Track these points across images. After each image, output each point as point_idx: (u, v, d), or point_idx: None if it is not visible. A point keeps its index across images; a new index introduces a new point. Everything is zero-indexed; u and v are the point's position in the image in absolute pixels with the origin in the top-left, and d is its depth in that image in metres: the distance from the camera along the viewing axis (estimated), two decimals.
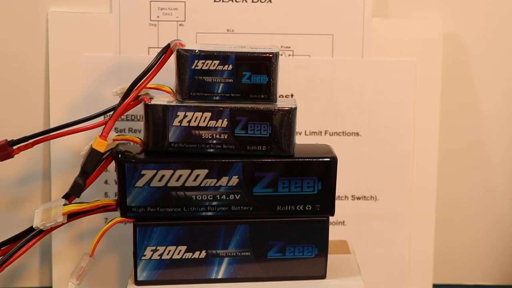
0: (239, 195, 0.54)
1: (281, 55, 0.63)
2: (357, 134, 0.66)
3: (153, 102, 0.54)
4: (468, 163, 0.69)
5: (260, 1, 0.65)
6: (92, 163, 0.54)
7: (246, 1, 0.65)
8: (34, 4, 0.64)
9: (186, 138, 0.54)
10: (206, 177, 0.54)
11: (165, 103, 0.54)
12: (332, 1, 0.65)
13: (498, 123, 0.69)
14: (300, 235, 0.55)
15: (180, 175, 0.54)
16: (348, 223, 0.67)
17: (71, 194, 0.55)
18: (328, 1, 0.65)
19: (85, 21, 0.64)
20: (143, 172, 0.53)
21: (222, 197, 0.54)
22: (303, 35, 0.65)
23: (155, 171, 0.53)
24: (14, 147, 0.56)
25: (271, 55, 0.53)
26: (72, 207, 0.54)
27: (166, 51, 0.54)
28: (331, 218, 0.56)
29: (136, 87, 0.54)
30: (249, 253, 0.55)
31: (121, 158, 0.53)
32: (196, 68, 0.53)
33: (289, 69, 0.65)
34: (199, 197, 0.54)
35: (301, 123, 0.62)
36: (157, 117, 0.54)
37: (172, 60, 0.54)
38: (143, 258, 0.55)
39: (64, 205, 0.55)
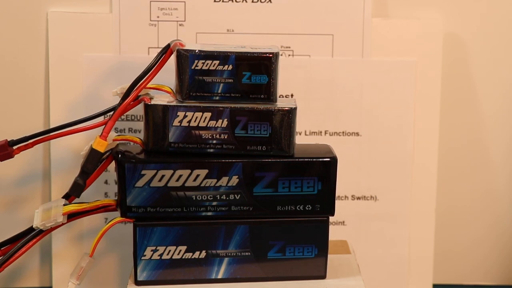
0: (239, 195, 0.54)
1: (281, 55, 0.63)
2: (357, 134, 0.66)
3: (153, 102, 0.54)
4: (468, 163, 0.69)
5: (260, 1, 0.65)
6: (92, 163, 0.54)
7: (246, 1, 0.65)
8: (34, 4, 0.64)
9: (186, 138, 0.54)
10: (206, 177, 0.54)
11: (165, 103, 0.54)
12: (332, 1, 0.65)
13: (498, 123, 0.69)
14: (300, 235, 0.55)
15: (180, 175, 0.54)
16: (348, 223, 0.67)
17: (71, 194, 0.55)
18: (328, 1, 0.65)
19: (85, 21, 0.64)
20: (143, 172, 0.53)
21: (222, 197, 0.54)
22: (303, 35, 0.65)
23: (155, 171, 0.53)
24: (14, 147, 0.56)
25: (271, 55, 0.53)
26: (72, 207, 0.54)
27: (166, 51, 0.54)
28: (331, 218, 0.56)
29: (136, 87, 0.54)
30: (249, 253, 0.55)
31: (121, 158, 0.53)
32: (196, 68, 0.53)
33: (289, 69, 0.65)
34: (199, 197, 0.54)
35: (301, 123, 0.62)
36: (157, 117, 0.54)
37: (172, 60, 0.54)
38: (143, 258, 0.55)
39: (64, 205, 0.55)
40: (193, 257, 0.55)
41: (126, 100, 0.54)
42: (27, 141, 0.56)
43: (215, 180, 0.54)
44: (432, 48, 0.66)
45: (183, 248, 0.55)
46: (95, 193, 0.65)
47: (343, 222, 0.67)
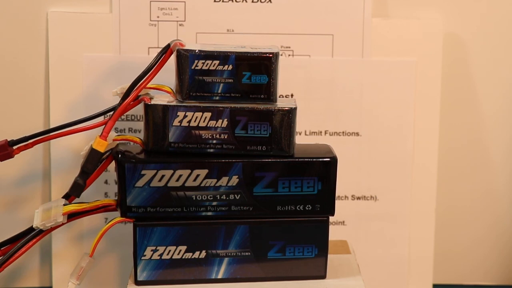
0: (239, 195, 0.54)
1: (281, 55, 0.63)
2: (357, 134, 0.66)
3: (153, 102, 0.54)
4: (468, 163, 0.69)
5: (260, 1, 0.65)
6: (92, 163, 0.54)
7: (246, 1, 0.65)
8: (34, 4, 0.64)
9: (186, 138, 0.54)
10: (206, 177, 0.54)
11: (165, 103, 0.54)
12: (332, 1, 0.65)
13: (498, 123, 0.69)
14: (300, 235, 0.55)
15: (180, 175, 0.54)
16: (348, 223, 0.67)
17: (71, 194, 0.55)
18: (328, 1, 0.65)
19: (85, 21, 0.64)
20: (143, 172, 0.53)
21: (222, 197, 0.54)
22: (303, 35, 0.65)
23: (155, 171, 0.53)
24: (14, 147, 0.56)
25: (271, 55, 0.53)
26: (72, 207, 0.54)
27: (166, 51, 0.54)
28: (331, 218, 0.56)
29: (136, 87, 0.54)
30: (249, 253, 0.55)
31: (121, 158, 0.53)
32: (196, 68, 0.53)
33: (289, 69, 0.65)
34: (199, 197, 0.54)
35: (301, 123, 0.62)
36: (157, 117, 0.54)
37: (172, 60, 0.54)
38: (143, 258, 0.55)
39: (64, 205, 0.55)
40: (193, 257, 0.55)
41: (126, 100, 0.54)
42: (27, 141, 0.56)
43: (215, 180, 0.54)
44: (432, 48, 0.66)
45: (183, 248, 0.55)
46: (95, 193, 0.65)
47: (343, 222, 0.67)
